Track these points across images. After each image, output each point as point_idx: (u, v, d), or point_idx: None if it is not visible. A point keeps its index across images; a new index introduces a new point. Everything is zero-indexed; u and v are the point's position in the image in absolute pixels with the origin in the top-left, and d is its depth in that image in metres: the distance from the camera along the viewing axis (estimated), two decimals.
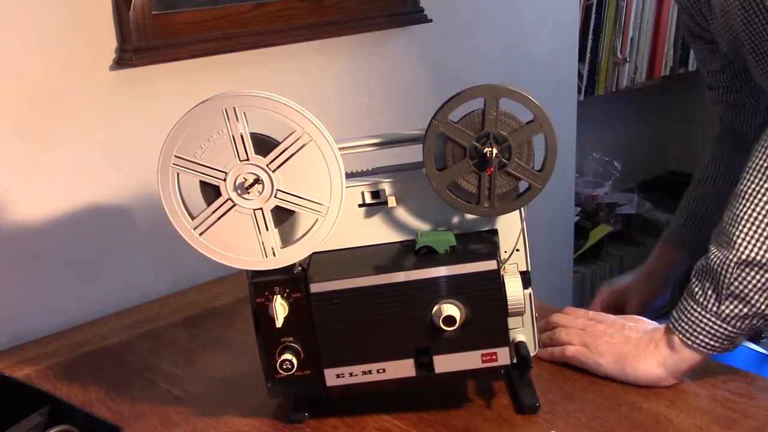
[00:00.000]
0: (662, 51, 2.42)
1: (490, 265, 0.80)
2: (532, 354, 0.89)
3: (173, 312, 1.16)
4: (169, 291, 1.21)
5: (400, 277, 0.81)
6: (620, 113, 2.74)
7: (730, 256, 0.84)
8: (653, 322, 0.95)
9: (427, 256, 0.83)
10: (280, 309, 0.81)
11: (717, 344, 0.87)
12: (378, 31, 1.49)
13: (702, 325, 0.87)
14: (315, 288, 0.81)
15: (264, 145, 0.79)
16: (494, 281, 0.80)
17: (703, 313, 0.87)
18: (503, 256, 0.87)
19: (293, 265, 0.82)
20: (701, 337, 0.87)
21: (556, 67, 1.91)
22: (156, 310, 1.19)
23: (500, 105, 0.79)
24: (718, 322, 0.86)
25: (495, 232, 0.87)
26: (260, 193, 0.79)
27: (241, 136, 0.78)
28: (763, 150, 0.86)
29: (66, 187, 1.17)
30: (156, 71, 1.22)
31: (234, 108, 0.77)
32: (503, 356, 0.83)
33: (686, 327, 0.88)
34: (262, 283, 0.82)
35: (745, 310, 0.85)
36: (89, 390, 0.98)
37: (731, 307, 0.85)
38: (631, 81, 2.35)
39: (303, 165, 0.79)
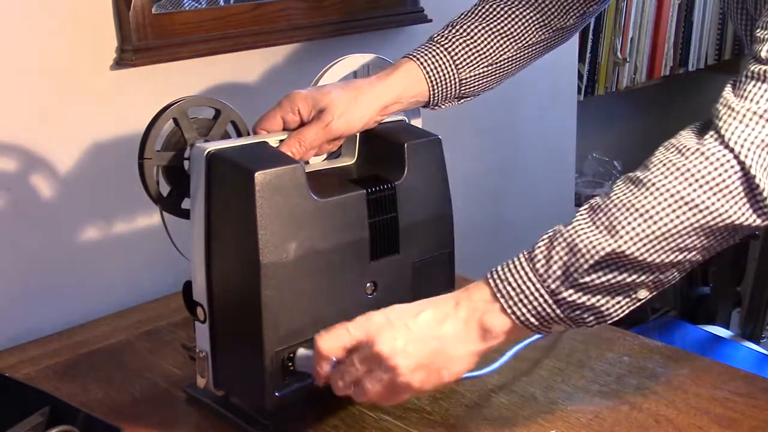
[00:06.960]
0: (662, 51, 2.41)
1: None
2: None
3: (173, 312, 1.16)
4: (169, 291, 1.21)
5: None
6: (620, 113, 2.74)
7: (607, 243, 0.71)
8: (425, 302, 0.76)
9: None
10: None
11: (535, 324, 0.74)
12: (378, 31, 1.49)
13: (531, 298, 0.74)
14: None
15: None
16: None
17: (537, 286, 0.73)
18: None
19: None
20: (524, 310, 0.74)
21: (556, 67, 1.90)
22: (156, 310, 1.19)
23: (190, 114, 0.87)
24: (549, 302, 0.73)
25: None
26: None
27: None
28: (674, 146, 0.78)
29: (66, 187, 1.17)
30: (156, 71, 1.22)
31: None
32: None
33: (512, 294, 0.74)
34: None
35: (584, 301, 0.73)
36: (89, 390, 0.98)
37: (572, 293, 0.73)
38: (631, 81, 2.35)
39: None
